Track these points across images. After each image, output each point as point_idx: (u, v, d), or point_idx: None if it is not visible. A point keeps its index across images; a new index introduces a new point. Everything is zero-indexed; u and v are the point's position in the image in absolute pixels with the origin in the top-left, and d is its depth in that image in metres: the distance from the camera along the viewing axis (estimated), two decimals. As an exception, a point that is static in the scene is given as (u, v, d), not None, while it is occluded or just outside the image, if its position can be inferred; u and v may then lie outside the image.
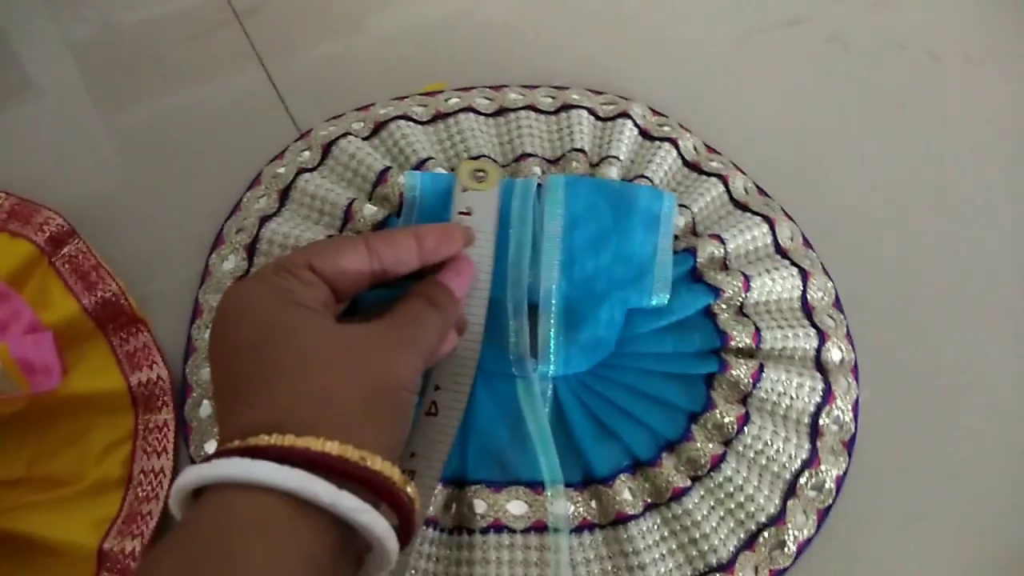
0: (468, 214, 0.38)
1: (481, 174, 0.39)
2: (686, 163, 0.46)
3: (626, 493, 0.35)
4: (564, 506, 0.34)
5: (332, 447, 0.24)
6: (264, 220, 0.42)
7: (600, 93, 0.49)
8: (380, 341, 0.29)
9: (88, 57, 0.51)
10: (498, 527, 0.34)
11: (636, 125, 0.46)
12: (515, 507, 0.34)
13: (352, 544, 0.25)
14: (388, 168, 0.42)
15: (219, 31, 0.53)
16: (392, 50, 0.52)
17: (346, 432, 0.25)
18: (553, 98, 0.48)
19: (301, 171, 0.44)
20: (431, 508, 0.34)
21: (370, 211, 0.40)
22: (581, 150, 0.44)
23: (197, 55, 0.51)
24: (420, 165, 0.43)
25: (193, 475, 0.24)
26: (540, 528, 0.34)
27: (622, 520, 0.34)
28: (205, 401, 0.38)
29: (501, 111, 0.47)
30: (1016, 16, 0.57)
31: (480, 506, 0.34)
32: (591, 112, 0.47)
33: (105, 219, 0.44)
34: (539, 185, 0.40)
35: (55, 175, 0.46)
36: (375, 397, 0.27)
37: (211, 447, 0.36)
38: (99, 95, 0.50)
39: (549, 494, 0.34)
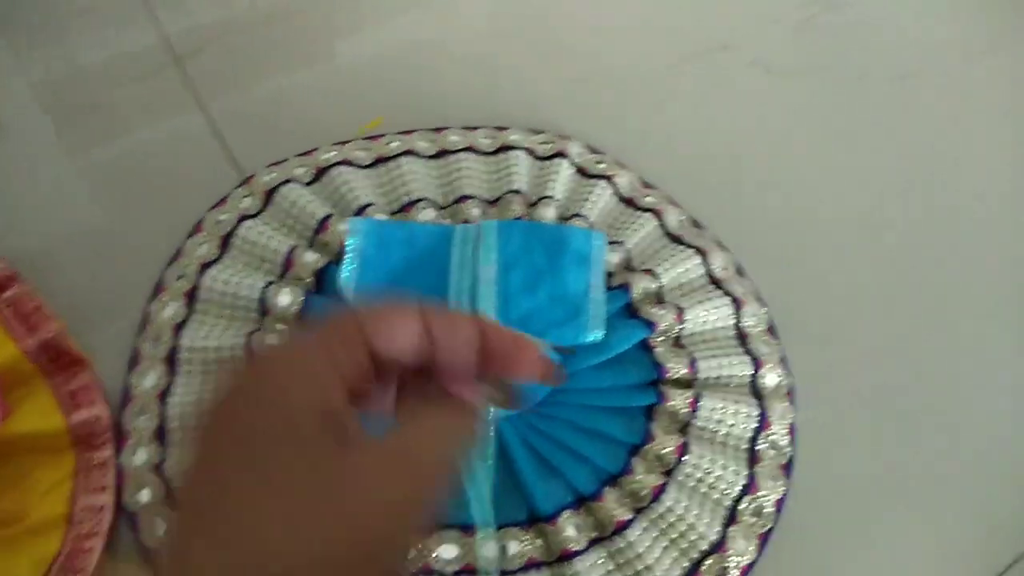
0: None
1: None
2: (622, 199, 0.47)
3: (570, 530, 0.35)
4: (493, 549, 0.35)
5: None
6: (205, 267, 0.42)
7: (539, 132, 0.50)
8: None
9: (40, 100, 0.51)
10: (427, 571, 0.34)
11: (573, 163, 0.47)
12: (446, 551, 0.35)
13: None
14: (330, 215, 0.42)
15: (160, 75, 0.53)
16: (332, 92, 0.53)
17: None
18: (492, 139, 0.49)
19: (243, 218, 0.44)
20: None
21: (311, 258, 0.41)
22: (518, 191, 0.45)
23: (140, 99, 0.51)
24: (360, 211, 0.43)
25: None
26: (470, 572, 0.34)
27: (567, 557, 0.35)
28: (140, 448, 0.38)
29: (441, 153, 0.48)
30: (937, 35, 0.60)
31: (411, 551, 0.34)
32: (529, 152, 0.48)
33: (49, 263, 0.44)
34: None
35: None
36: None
37: (145, 495, 0.36)
38: (45, 140, 0.49)
39: (480, 536, 0.35)
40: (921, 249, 0.49)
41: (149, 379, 0.40)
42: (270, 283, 0.40)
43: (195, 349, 0.40)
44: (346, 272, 0.40)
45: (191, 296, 0.41)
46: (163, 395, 0.39)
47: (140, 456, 0.37)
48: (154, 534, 0.36)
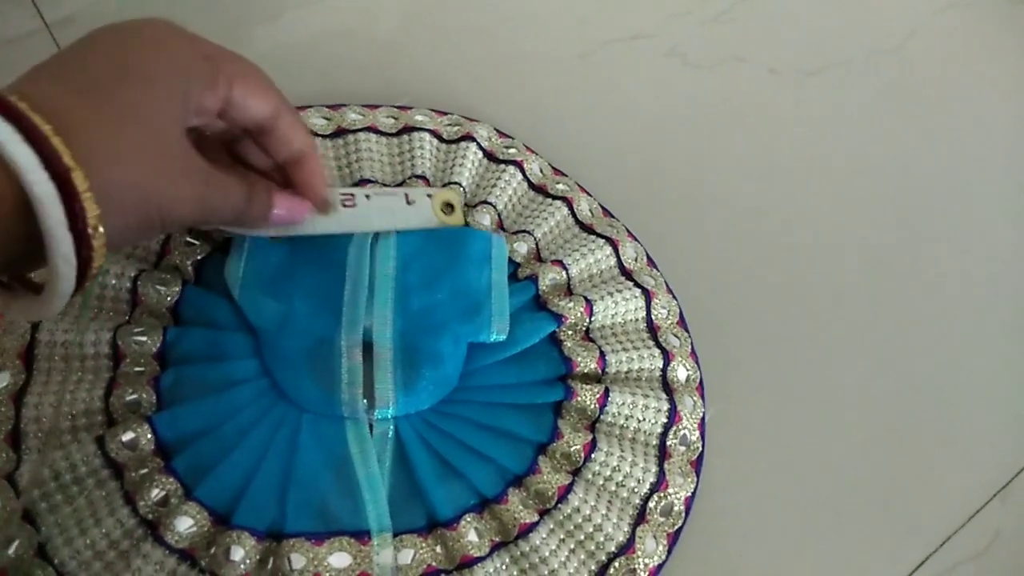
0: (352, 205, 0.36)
1: (449, 208, 0.39)
2: (532, 186, 0.45)
3: (471, 535, 0.33)
4: (391, 555, 0.32)
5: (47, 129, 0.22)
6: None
7: (445, 113, 0.47)
8: (189, 165, 0.27)
9: None
10: None
11: (481, 148, 0.45)
12: (338, 560, 0.32)
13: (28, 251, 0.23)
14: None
15: (29, 41, 0.48)
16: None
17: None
18: (395, 119, 0.46)
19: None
20: (244, 566, 0.31)
21: (162, 289, 0.36)
22: (422, 176, 0.42)
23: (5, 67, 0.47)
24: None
25: None
26: None
27: (468, 564, 0.33)
28: None
29: (339, 132, 0.44)
30: (849, 29, 0.60)
31: (298, 561, 0.31)
32: (434, 134, 0.45)
33: None
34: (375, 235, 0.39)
35: None
36: (133, 195, 0.25)
37: None
38: None
39: (376, 543, 0.32)
40: (831, 240, 0.49)
41: (2, 377, 0.35)
42: (142, 271, 0.36)
43: (55, 344, 0.36)
44: (232, 263, 0.36)
45: (27, 357, 0.36)
46: (18, 395, 0.35)
47: None
48: None
